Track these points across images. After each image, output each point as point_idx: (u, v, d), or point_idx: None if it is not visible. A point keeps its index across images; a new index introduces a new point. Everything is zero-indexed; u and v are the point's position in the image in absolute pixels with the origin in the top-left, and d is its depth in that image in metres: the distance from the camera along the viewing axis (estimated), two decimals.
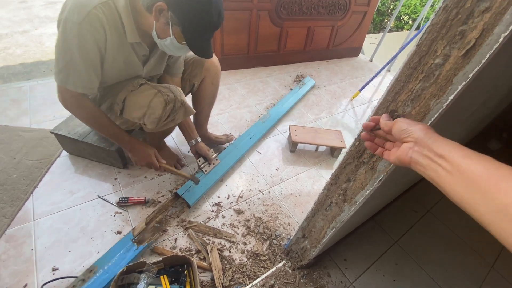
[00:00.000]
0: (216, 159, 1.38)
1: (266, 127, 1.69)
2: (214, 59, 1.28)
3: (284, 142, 1.68)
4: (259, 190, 1.36)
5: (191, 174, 1.28)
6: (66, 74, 0.85)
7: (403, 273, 1.10)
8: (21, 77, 2.28)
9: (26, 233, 1.02)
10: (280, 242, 1.14)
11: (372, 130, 0.53)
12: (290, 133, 1.60)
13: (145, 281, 0.89)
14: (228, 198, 1.29)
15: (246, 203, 1.29)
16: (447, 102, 0.43)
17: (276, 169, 1.49)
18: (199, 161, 1.34)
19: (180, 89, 1.08)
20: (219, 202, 1.27)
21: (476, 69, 0.38)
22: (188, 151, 1.49)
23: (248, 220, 1.21)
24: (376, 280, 1.07)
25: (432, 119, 0.45)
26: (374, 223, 1.29)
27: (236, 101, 1.96)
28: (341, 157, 1.63)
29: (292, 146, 1.59)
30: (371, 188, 0.61)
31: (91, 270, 0.92)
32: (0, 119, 1.48)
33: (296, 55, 2.55)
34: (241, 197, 1.31)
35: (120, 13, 0.83)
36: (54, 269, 0.94)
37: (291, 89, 2.19)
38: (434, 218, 1.38)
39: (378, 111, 0.54)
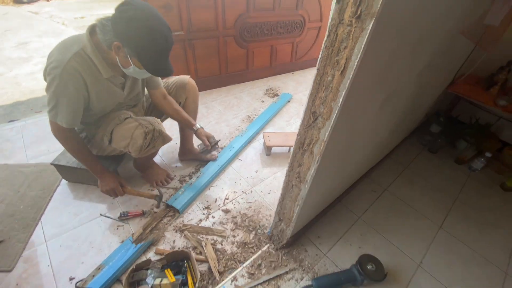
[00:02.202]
0: (217, 146, 1.57)
1: (244, 139, 1.91)
2: (192, 82, 1.54)
3: (260, 148, 1.92)
4: (242, 191, 1.57)
5: (156, 195, 1.40)
6: (55, 113, 1.05)
7: (367, 241, 1.34)
8: (2, 119, 2.37)
9: (41, 253, 1.17)
10: (264, 231, 1.35)
11: None
12: (264, 140, 1.84)
13: (152, 275, 1.07)
14: (216, 201, 1.49)
15: (232, 203, 1.49)
16: (340, 103, 0.68)
17: (256, 172, 1.72)
18: (199, 146, 1.62)
19: (158, 120, 1.30)
20: (208, 205, 1.46)
21: (348, 81, 0.63)
22: (176, 166, 1.69)
23: (235, 217, 1.41)
24: (345, 249, 1.29)
25: (335, 115, 0.70)
26: (341, 205, 1.53)
27: (215, 117, 2.19)
28: None
29: (267, 150, 1.82)
30: (313, 168, 0.85)
31: (99, 268, 1.10)
32: None
33: (264, 70, 2.85)
34: (227, 199, 1.51)
35: (91, 57, 1.03)
36: (71, 279, 1.09)
37: (262, 101, 2.45)
38: (390, 194, 1.64)
39: (305, 113, 0.78)
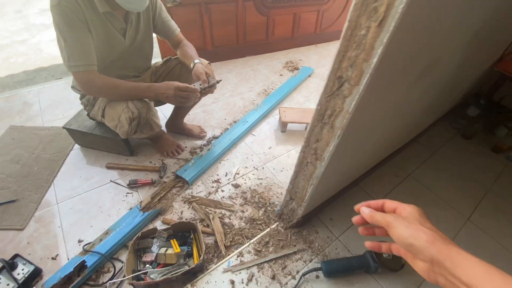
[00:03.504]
0: (213, 78, 1.26)
1: (258, 114, 1.81)
2: (211, 69, 1.37)
3: (275, 124, 1.81)
4: (254, 167, 1.50)
5: (159, 166, 1.41)
6: (69, 57, 0.99)
7: None
8: (25, 84, 2.42)
9: (52, 214, 1.19)
10: (274, 209, 1.29)
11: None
12: (280, 115, 1.73)
13: (157, 244, 1.05)
14: (226, 175, 1.44)
15: (243, 178, 1.44)
16: (373, 65, 0.55)
17: (269, 148, 1.63)
18: (196, 84, 1.23)
19: (150, 106, 1.21)
20: (218, 179, 1.42)
21: (387, 36, 0.51)
22: (187, 137, 1.64)
23: (245, 192, 1.36)
24: (359, 234, 1.21)
25: (365, 80, 0.58)
26: (359, 188, 1.43)
27: (229, 90, 2.09)
28: None
29: (283, 126, 1.72)
30: (333, 144, 0.75)
31: (106, 233, 1.10)
32: (15, 121, 1.64)
33: (285, 42, 2.65)
34: (237, 173, 1.46)
35: None
36: (79, 241, 1.10)
37: (280, 75, 2.30)
38: (414, 180, 1.51)
39: (329, 78, 0.67)
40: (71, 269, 0.97)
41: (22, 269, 0.94)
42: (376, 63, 0.55)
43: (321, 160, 0.82)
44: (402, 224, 0.39)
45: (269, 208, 1.29)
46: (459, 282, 0.32)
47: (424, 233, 0.37)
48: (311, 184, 0.92)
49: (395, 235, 0.39)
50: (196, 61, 1.26)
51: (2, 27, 3.47)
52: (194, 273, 1.04)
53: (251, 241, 1.14)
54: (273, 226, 1.20)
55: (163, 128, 1.61)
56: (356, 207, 0.49)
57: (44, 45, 3.14)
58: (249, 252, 1.11)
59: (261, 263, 1.07)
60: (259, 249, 1.12)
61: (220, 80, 1.31)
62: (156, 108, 1.34)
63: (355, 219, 0.50)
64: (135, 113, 1.13)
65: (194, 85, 1.19)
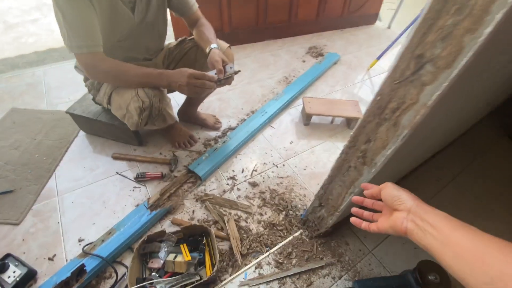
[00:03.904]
0: (231, 68, 1.05)
1: (279, 104, 1.63)
2: (231, 54, 1.20)
3: (297, 116, 1.63)
4: (273, 164, 1.34)
5: (170, 158, 1.26)
6: (68, 37, 0.85)
7: None
8: (35, 65, 2.32)
9: (52, 208, 1.07)
10: (296, 213, 1.13)
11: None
12: (303, 106, 1.54)
13: (166, 249, 0.92)
14: (242, 172, 1.29)
15: (261, 176, 1.28)
16: (483, 37, 0.37)
17: (290, 143, 1.46)
18: (211, 72, 1.04)
19: (164, 94, 1.06)
20: (234, 175, 1.27)
21: None
22: (201, 127, 1.49)
23: (263, 192, 1.21)
24: (397, 248, 1.05)
25: (465, 59, 0.40)
26: None
27: (247, 77, 1.91)
28: None
29: (306, 118, 1.54)
30: (393, 147, 0.57)
31: (109, 232, 0.98)
32: (18, 103, 1.53)
33: (308, 25, 2.42)
34: (255, 170, 1.30)
35: None
36: (80, 240, 0.99)
37: (303, 61, 2.09)
38: (457, 186, 1.31)
39: (402, 57, 0.49)
40: (68, 274, 0.85)
41: (14, 272, 0.83)
42: (489, 35, 0.37)
43: (371, 166, 0.65)
44: (393, 186, 0.51)
45: (291, 212, 1.14)
46: (426, 223, 0.41)
47: (408, 193, 0.49)
48: (351, 192, 0.75)
49: (386, 192, 0.50)
50: (212, 45, 1.07)
51: (13, 6, 3.38)
52: (206, 284, 0.91)
53: (271, 250, 1.00)
54: (296, 234, 1.05)
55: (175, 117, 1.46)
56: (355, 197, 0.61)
57: (56, 26, 3.02)
58: (268, 263, 0.97)
59: (282, 277, 0.93)
60: (280, 260, 0.97)
61: (239, 71, 1.09)
62: (169, 95, 1.19)
63: (355, 198, 0.61)
64: (146, 102, 0.98)
65: (210, 73, 1.01)
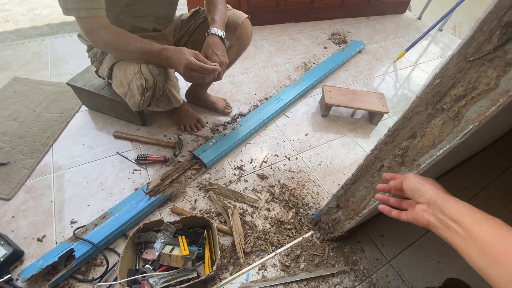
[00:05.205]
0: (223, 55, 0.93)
1: (296, 91, 1.50)
2: (248, 26, 1.09)
3: (315, 106, 1.50)
4: (285, 156, 1.23)
5: (175, 142, 1.17)
6: (71, 0, 0.74)
7: (451, 255, 0.95)
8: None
9: (46, 185, 1.00)
10: (308, 212, 1.03)
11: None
12: (323, 95, 1.41)
13: (162, 240, 0.84)
14: (251, 162, 1.19)
15: (271, 168, 1.17)
16: None
17: (305, 135, 1.34)
18: None
19: (170, 73, 0.94)
20: (242, 165, 1.17)
21: None
22: (209, 111, 1.38)
23: (273, 186, 1.10)
24: (418, 260, 0.93)
25: None
26: None
27: (263, 60, 1.78)
28: (381, 124, 1.43)
29: (325, 109, 1.41)
30: (447, 146, 0.45)
31: (103, 217, 0.91)
32: (21, 72, 1.45)
33: (332, 9, 2.24)
34: (265, 162, 1.20)
35: None
36: (72, 222, 0.92)
37: (325, 48, 1.94)
38: (488, 196, 1.17)
39: (483, 26, 0.36)
40: (56, 258, 0.78)
41: None
42: None
43: (411, 167, 0.53)
44: (414, 177, 0.47)
45: (301, 211, 1.03)
46: (447, 217, 0.39)
47: (430, 183, 0.45)
48: None
49: (406, 184, 0.47)
50: (213, 30, 0.92)
51: None
52: (204, 282, 0.83)
53: (278, 251, 0.90)
54: (307, 235, 0.95)
55: (183, 98, 1.35)
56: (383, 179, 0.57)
57: None
58: (274, 265, 0.87)
59: (288, 282, 0.83)
60: (287, 263, 0.88)
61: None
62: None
63: (380, 186, 0.56)
64: (149, 81, 0.88)
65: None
